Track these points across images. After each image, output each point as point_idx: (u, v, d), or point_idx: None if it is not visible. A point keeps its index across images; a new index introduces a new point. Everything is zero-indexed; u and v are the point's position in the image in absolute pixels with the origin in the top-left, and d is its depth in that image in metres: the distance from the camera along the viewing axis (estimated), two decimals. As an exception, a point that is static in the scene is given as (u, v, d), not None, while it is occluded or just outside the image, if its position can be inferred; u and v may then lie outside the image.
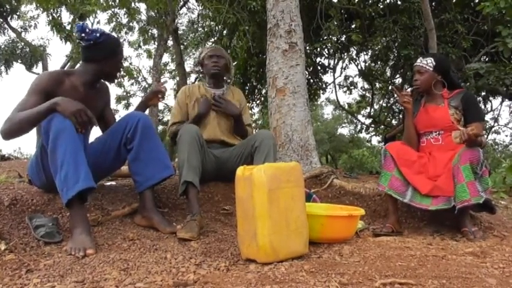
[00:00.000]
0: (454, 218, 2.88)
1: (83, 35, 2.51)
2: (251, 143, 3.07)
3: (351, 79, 11.37)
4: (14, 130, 2.23)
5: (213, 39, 9.03)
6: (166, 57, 18.86)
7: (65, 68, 14.17)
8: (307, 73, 8.80)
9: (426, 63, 3.05)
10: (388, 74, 10.33)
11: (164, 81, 3.34)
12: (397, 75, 9.93)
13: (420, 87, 3.07)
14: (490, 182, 2.73)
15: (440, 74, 3.04)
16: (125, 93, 19.37)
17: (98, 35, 2.54)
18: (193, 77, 13.87)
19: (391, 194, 2.88)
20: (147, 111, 3.18)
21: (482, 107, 9.36)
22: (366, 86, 11.87)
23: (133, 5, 11.57)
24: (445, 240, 2.60)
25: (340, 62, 10.42)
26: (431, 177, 2.88)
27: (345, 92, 11.65)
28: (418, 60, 3.12)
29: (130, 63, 18.46)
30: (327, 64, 10.00)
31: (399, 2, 8.02)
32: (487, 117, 10.04)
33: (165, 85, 3.08)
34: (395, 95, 2.95)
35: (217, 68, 3.46)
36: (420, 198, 2.83)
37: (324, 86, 10.46)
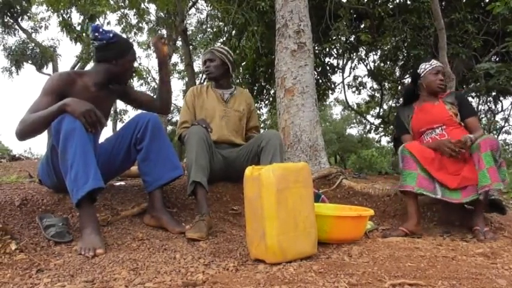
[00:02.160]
0: (464, 218, 2.87)
1: (97, 34, 2.54)
2: (258, 143, 3.08)
3: (360, 79, 11.37)
4: (27, 131, 2.26)
5: (221, 40, 9.04)
6: (175, 58, 18.96)
7: (75, 69, 14.26)
8: (315, 73, 8.79)
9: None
10: (398, 74, 10.29)
11: (159, 36, 3.25)
12: (407, 75, 9.88)
13: (444, 87, 3.20)
14: (506, 175, 2.75)
15: None
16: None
17: (111, 35, 2.57)
18: (202, 77, 13.91)
19: (422, 192, 2.80)
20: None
21: (493, 107, 9.31)
22: (375, 86, 11.84)
23: (142, 5, 11.62)
24: (455, 241, 2.58)
25: (349, 62, 10.41)
26: (451, 172, 2.86)
27: (354, 92, 11.64)
28: (437, 62, 3.23)
29: (140, 64, 18.57)
30: (335, 64, 9.98)
31: (409, 2, 7.98)
32: (498, 117, 9.97)
33: (156, 39, 3.01)
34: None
35: (209, 72, 3.53)
36: (450, 193, 2.80)
37: (332, 86, 10.45)
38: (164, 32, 14.55)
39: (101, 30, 2.55)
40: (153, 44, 2.94)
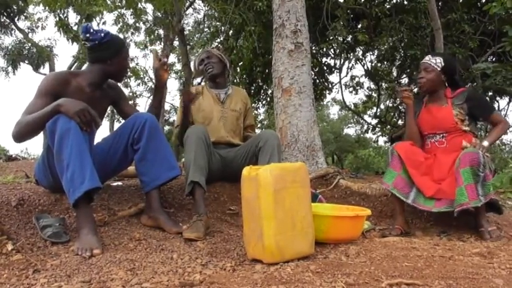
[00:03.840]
0: (460, 218, 2.88)
1: (88, 35, 2.53)
2: (255, 143, 3.07)
3: (357, 79, 11.35)
4: (23, 133, 2.27)
5: (218, 40, 9.04)
6: (172, 58, 18.90)
7: (72, 69, 14.23)
8: (313, 73, 8.79)
9: (435, 62, 3.03)
10: (395, 74, 10.29)
11: (160, 53, 3.21)
12: (404, 75, 9.89)
13: (425, 86, 3.06)
14: (491, 188, 2.69)
15: (447, 75, 3.04)
16: (131, 94, 19.43)
17: (102, 35, 2.56)
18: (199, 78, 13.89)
19: (395, 193, 2.88)
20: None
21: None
22: (372, 86, 11.83)
23: (139, 5, 11.60)
24: (451, 240, 2.59)
25: (346, 62, 10.41)
26: (435, 180, 2.87)
27: (351, 92, 11.63)
28: (427, 58, 3.10)
29: (137, 64, 18.54)
30: (333, 64, 9.99)
31: (405, 2, 7.99)
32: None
33: (159, 55, 2.98)
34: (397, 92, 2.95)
35: (211, 68, 3.48)
36: (424, 200, 2.83)
37: (330, 86, 10.45)
38: (161, 32, 14.53)
39: (91, 30, 2.54)
40: (154, 69, 2.92)
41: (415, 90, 3.14)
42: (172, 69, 19.26)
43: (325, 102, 19.79)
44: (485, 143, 2.80)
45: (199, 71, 3.58)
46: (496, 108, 7.31)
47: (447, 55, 3.61)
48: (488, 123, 3.01)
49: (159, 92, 2.97)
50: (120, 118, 3.02)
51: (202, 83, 3.79)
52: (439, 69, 3.01)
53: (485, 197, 2.63)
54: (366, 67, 10.28)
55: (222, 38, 8.93)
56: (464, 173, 2.62)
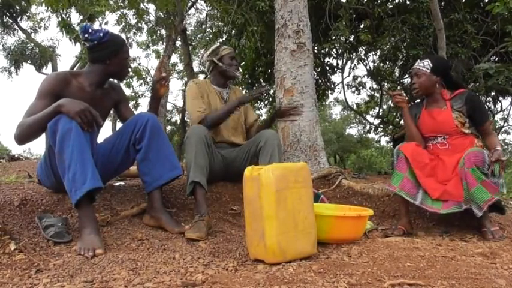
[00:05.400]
0: (463, 218, 2.88)
1: (86, 35, 2.53)
2: (256, 143, 3.08)
3: (359, 79, 11.33)
4: (25, 135, 2.26)
5: (221, 40, 9.04)
6: (174, 58, 18.95)
7: (74, 69, 14.24)
8: (315, 73, 8.78)
9: (423, 65, 3.04)
10: (397, 74, 10.28)
11: (162, 61, 3.10)
12: (406, 76, 9.87)
13: (419, 91, 3.06)
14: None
15: (439, 76, 3.03)
16: (133, 94, 19.45)
17: (101, 34, 2.55)
18: (201, 77, 13.91)
19: (402, 195, 2.86)
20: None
21: (492, 107, 9.31)
22: (375, 86, 11.82)
23: (142, 5, 11.61)
24: (454, 240, 2.58)
25: (349, 62, 10.37)
26: (440, 181, 2.86)
27: (353, 92, 11.60)
28: (415, 64, 3.11)
29: (139, 64, 18.55)
30: (335, 64, 9.96)
31: (408, 2, 7.97)
32: (497, 117, 9.96)
33: (162, 68, 2.95)
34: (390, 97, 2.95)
35: (239, 71, 3.51)
36: (431, 202, 2.81)
37: (332, 86, 10.44)
38: (164, 32, 14.54)
39: (90, 30, 2.53)
40: (154, 81, 2.92)
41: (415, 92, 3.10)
42: (174, 69, 19.29)
43: (327, 102, 19.76)
44: (499, 148, 2.80)
45: (221, 61, 3.45)
46: (490, 115, 7.34)
47: (435, 55, 3.59)
48: (478, 128, 2.99)
49: (154, 103, 2.97)
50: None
51: (206, 79, 3.75)
52: (428, 71, 3.01)
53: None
54: (368, 67, 10.27)
55: (224, 38, 8.93)
56: (474, 172, 2.62)
